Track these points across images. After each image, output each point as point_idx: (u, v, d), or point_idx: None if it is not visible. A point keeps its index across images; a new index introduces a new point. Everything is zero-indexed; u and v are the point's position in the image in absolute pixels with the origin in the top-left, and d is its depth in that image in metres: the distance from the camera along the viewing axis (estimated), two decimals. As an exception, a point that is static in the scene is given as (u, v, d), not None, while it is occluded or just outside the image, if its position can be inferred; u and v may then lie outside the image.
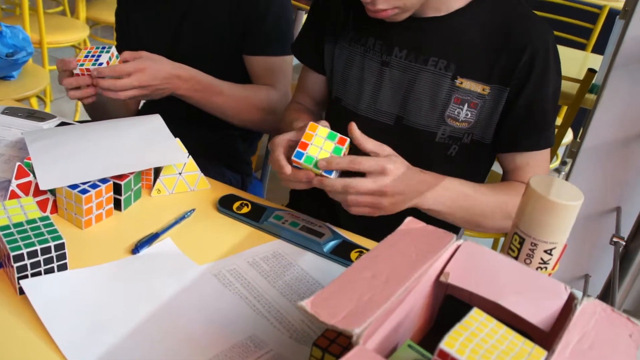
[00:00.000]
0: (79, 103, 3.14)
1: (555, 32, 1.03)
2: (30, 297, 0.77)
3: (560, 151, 2.69)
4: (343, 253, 0.95)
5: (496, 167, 1.19)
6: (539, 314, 0.60)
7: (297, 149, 0.87)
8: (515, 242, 0.74)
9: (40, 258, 0.80)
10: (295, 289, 0.87)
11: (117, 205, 1.00)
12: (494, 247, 2.12)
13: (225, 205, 1.04)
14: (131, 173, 1.00)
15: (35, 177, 0.94)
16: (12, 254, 0.77)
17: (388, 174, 0.86)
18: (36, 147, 1.01)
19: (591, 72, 1.84)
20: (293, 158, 0.87)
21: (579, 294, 0.63)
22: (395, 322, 0.59)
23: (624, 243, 1.38)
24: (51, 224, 0.83)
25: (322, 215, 1.05)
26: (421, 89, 1.03)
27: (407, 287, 0.60)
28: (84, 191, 0.93)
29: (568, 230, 0.72)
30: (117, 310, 0.79)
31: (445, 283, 0.64)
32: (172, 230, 0.97)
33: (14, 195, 0.94)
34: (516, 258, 0.74)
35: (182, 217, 1.00)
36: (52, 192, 0.97)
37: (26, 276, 0.80)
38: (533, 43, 0.97)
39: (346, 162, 0.86)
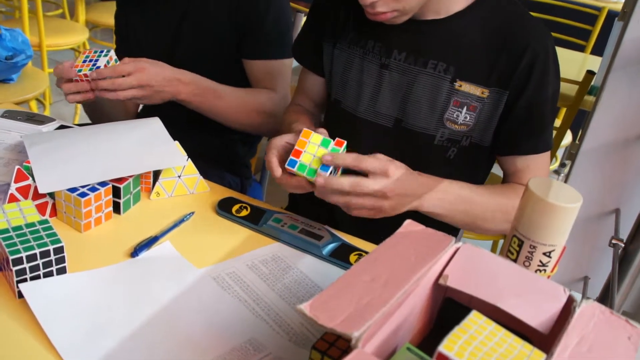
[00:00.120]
0: (79, 106, 3.14)
1: (554, 34, 1.03)
2: (29, 301, 0.77)
3: (560, 153, 2.69)
4: (342, 256, 0.95)
5: (496, 170, 1.19)
6: (538, 317, 0.60)
7: (290, 156, 0.88)
8: (514, 245, 0.74)
9: (39, 261, 0.80)
10: (294, 292, 0.87)
11: (116, 208, 1.00)
12: (493, 249, 2.12)
13: (224, 208, 1.04)
14: (130, 176, 1.00)
15: (34, 181, 0.94)
16: (11, 257, 0.77)
17: (390, 175, 0.86)
18: (35, 151, 1.02)
19: (590, 73, 1.84)
20: (286, 166, 0.87)
21: (578, 296, 0.63)
22: (394, 325, 0.59)
23: (623, 245, 1.38)
24: (50, 228, 0.83)
25: (321, 218, 1.05)
26: (420, 91, 1.03)
27: (406, 290, 0.60)
28: (83, 194, 0.93)
29: (567, 232, 0.72)
30: (116, 313, 0.79)
31: (444, 286, 0.64)
32: (171, 234, 0.97)
33: (13, 199, 0.94)
34: (515, 260, 0.74)
35: (181, 220, 1.00)
36: (51, 195, 0.97)
37: (25, 280, 0.80)
38: (532, 46, 0.97)
39: (351, 159, 0.86)
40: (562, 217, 0.70)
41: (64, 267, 0.83)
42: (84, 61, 1.13)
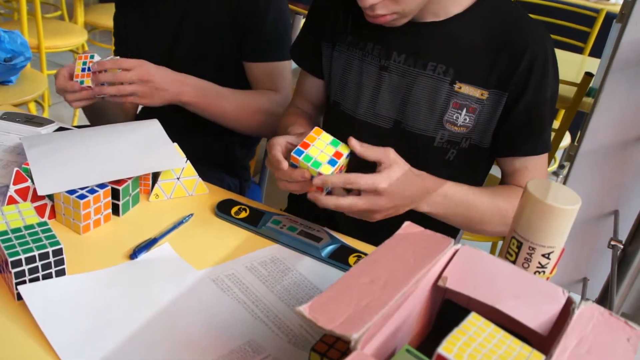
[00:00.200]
0: (78, 108, 3.14)
1: (553, 36, 1.03)
2: (28, 303, 0.77)
3: (558, 154, 2.69)
4: (341, 258, 0.95)
5: (494, 171, 1.19)
6: (537, 318, 0.60)
7: (298, 147, 0.88)
8: (513, 246, 0.74)
9: (38, 263, 0.80)
10: (293, 293, 0.87)
11: (115, 210, 1.00)
12: (492, 251, 2.12)
13: (223, 210, 1.04)
14: (129, 178, 1.00)
15: (33, 183, 0.94)
16: (10, 259, 0.77)
17: (381, 193, 0.87)
18: (34, 153, 1.01)
19: (588, 75, 1.84)
20: (292, 154, 0.87)
21: (577, 297, 0.63)
22: (393, 326, 0.59)
23: (621, 246, 1.38)
24: (49, 230, 0.83)
25: (320, 220, 1.05)
26: (420, 93, 1.03)
27: (405, 292, 0.60)
28: (82, 196, 0.93)
29: (566, 234, 0.72)
30: (116, 315, 0.79)
31: (443, 287, 0.64)
32: (171, 235, 0.97)
33: (12, 201, 0.94)
34: (514, 262, 0.74)
35: (180, 222, 1.00)
36: (50, 197, 0.97)
37: (24, 282, 0.80)
38: (532, 48, 0.98)
39: (341, 181, 0.87)
40: (561, 219, 0.70)
41: (63, 269, 0.83)
42: (83, 70, 1.13)
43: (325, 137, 0.90)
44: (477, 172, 1.13)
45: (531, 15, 1.03)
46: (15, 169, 0.94)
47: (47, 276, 0.82)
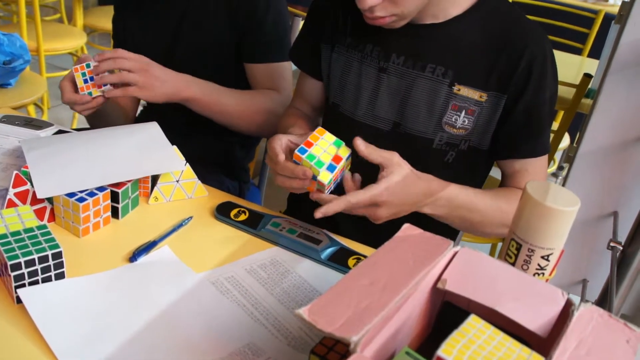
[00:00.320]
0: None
1: (551, 37, 1.03)
2: (27, 306, 0.77)
3: (557, 156, 2.70)
4: (341, 260, 0.95)
5: (494, 173, 1.19)
6: (537, 320, 0.60)
7: (302, 145, 0.88)
8: (512, 248, 0.74)
9: (38, 267, 0.80)
10: (293, 296, 0.87)
11: (115, 213, 1.00)
12: (492, 253, 2.12)
13: (222, 212, 1.04)
14: (128, 181, 1.00)
15: (32, 186, 0.94)
16: (9, 262, 0.77)
17: (381, 205, 0.88)
18: (33, 156, 1.01)
19: (587, 77, 1.84)
20: (296, 152, 0.88)
21: (576, 299, 0.63)
22: (393, 329, 0.59)
23: (621, 248, 1.38)
24: (48, 233, 0.83)
25: (319, 222, 1.05)
26: (418, 95, 1.03)
27: (404, 294, 0.60)
28: (81, 199, 0.93)
29: (565, 235, 0.72)
30: (115, 318, 0.79)
31: (443, 290, 0.64)
32: (170, 238, 0.97)
33: (11, 204, 0.94)
34: (513, 264, 0.74)
35: (180, 225, 1.00)
36: (50, 200, 0.97)
37: (23, 285, 0.80)
38: (530, 49, 0.98)
39: (341, 207, 0.88)
40: (560, 221, 0.70)
41: (63, 272, 0.83)
42: (85, 81, 1.13)
43: (329, 137, 0.91)
44: (476, 174, 1.13)
45: (530, 17, 1.03)
46: (15, 172, 0.94)
47: (47, 279, 0.82)
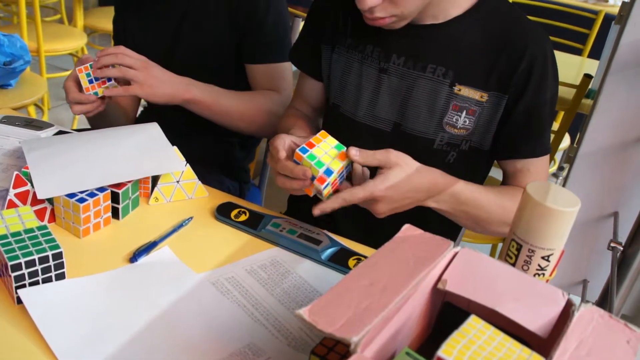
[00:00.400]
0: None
1: (552, 38, 1.03)
2: (27, 307, 0.77)
3: (558, 156, 2.70)
4: (341, 260, 0.95)
5: (493, 173, 1.19)
6: (537, 321, 0.60)
7: (303, 145, 0.88)
8: (512, 249, 0.74)
9: (38, 267, 0.80)
10: (293, 296, 0.87)
11: (115, 213, 1.00)
12: (492, 253, 2.12)
13: (223, 213, 1.04)
14: (129, 181, 1.00)
15: (32, 186, 0.94)
16: (9, 263, 0.77)
17: (379, 199, 0.88)
18: (34, 156, 1.02)
19: (587, 77, 1.84)
20: (297, 151, 0.88)
21: (577, 299, 0.63)
22: (393, 329, 0.59)
23: (621, 248, 1.38)
24: (49, 233, 0.83)
25: (320, 222, 1.05)
26: (419, 95, 1.03)
27: (405, 295, 0.60)
28: (81, 200, 0.93)
29: (565, 236, 0.72)
30: (115, 319, 0.79)
31: (443, 290, 0.64)
32: (170, 239, 0.97)
33: (11, 205, 0.94)
34: (514, 264, 0.74)
35: (180, 225, 1.00)
36: (50, 201, 0.97)
37: (24, 285, 0.80)
38: (531, 50, 0.98)
39: (338, 203, 0.88)
40: (561, 221, 0.70)
41: (63, 272, 0.83)
42: (90, 82, 1.13)
43: (331, 141, 0.91)
44: (477, 175, 1.13)
45: (530, 17, 1.03)
46: (15, 172, 0.94)
47: (47, 280, 0.82)
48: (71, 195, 0.94)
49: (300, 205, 1.27)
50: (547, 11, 3.17)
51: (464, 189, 0.97)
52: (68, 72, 1.17)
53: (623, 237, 1.43)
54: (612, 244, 1.38)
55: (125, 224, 1.01)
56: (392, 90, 1.05)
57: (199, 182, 1.10)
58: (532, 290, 0.64)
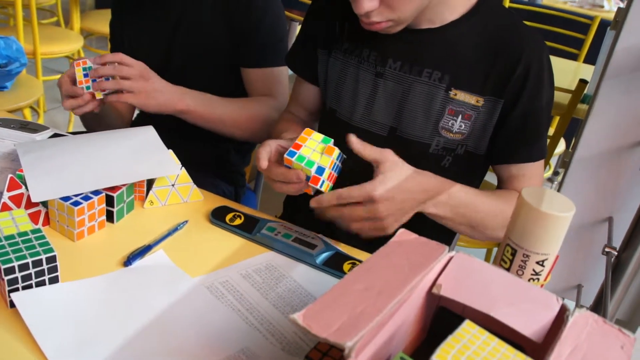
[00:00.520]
0: (73, 114, 3.13)
1: (548, 43, 1.04)
2: (21, 310, 0.77)
3: (553, 161, 2.70)
4: (336, 265, 0.95)
5: (489, 177, 1.20)
6: (531, 326, 0.60)
7: (290, 148, 0.88)
8: (507, 254, 0.74)
9: (32, 271, 0.80)
10: (287, 301, 0.87)
11: (110, 217, 1.00)
12: (487, 258, 2.12)
13: (218, 216, 1.04)
14: (124, 185, 1.00)
15: (27, 189, 0.94)
16: (3, 266, 0.77)
17: (377, 200, 0.87)
18: (28, 159, 1.01)
19: (583, 82, 1.85)
20: (285, 156, 0.88)
21: (571, 304, 0.63)
22: (387, 334, 0.59)
23: (615, 253, 1.38)
24: (43, 237, 0.83)
25: (315, 227, 1.05)
26: (415, 100, 1.03)
27: (399, 299, 0.60)
28: (76, 203, 0.93)
29: (560, 241, 0.72)
30: (109, 323, 0.78)
31: (438, 295, 0.64)
32: (165, 242, 0.97)
33: (5, 207, 0.93)
34: (508, 269, 0.74)
35: (175, 229, 1.00)
36: (44, 204, 0.97)
37: (17, 289, 0.79)
38: (527, 55, 0.98)
39: (334, 197, 0.87)
40: (555, 226, 0.70)
41: (57, 276, 0.83)
42: (85, 75, 1.13)
43: (317, 137, 0.90)
44: (472, 179, 1.13)
45: (526, 23, 1.03)
46: (10, 175, 0.94)
47: (41, 283, 0.81)
48: (66, 199, 0.93)
49: (296, 209, 1.27)
50: (543, 16, 3.18)
51: (460, 191, 0.97)
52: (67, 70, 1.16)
53: (617, 242, 1.43)
54: (607, 249, 1.38)
55: (119, 228, 1.00)
56: (388, 95, 1.05)
57: (194, 185, 1.09)
58: (527, 295, 0.64)
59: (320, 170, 0.87)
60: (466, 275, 0.66)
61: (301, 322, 0.55)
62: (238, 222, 1.03)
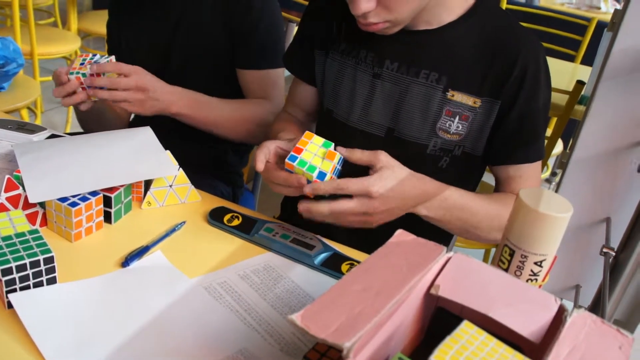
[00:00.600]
0: (70, 114, 3.13)
1: (545, 44, 1.04)
2: (18, 311, 0.77)
3: (551, 162, 2.70)
4: (334, 265, 0.95)
5: (486, 178, 1.20)
6: (530, 326, 0.60)
7: (291, 152, 0.88)
8: (505, 254, 0.74)
9: (29, 271, 0.79)
10: (286, 301, 0.87)
11: (107, 218, 1.00)
12: (485, 259, 2.12)
13: (215, 217, 1.04)
14: (121, 186, 1.00)
15: (24, 190, 0.94)
16: (0, 267, 0.77)
17: (374, 195, 0.86)
18: (26, 160, 1.01)
19: (580, 83, 1.85)
20: (287, 161, 0.87)
21: (569, 304, 0.63)
22: (385, 335, 0.59)
23: (613, 253, 1.38)
24: (40, 237, 0.83)
25: (313, 227, 1.05)
26: (412, 101, 1.03)
27: (397, 300, 0.60)
28: (73, 204, 0.92)
29: (558, 241, 0.72)
30: (107, 324, 0.78)
31: (436, 295, 0.64)
32: (163, 243, 0.97)
33: (3, 208, 0.93)
34: (506, 270, 0.74)
35: (173, 230, 1.00)
36: (42, 205, 0.96)
37: (15, 290, 0.79)
38: (524, 56, 0.98)
39: (332, 187, 0.87)
40: (553, 227, 0.70)
41: (54, 277, 0.83)
42: (82, 64, 1.14)
43: (317, 140, 0.90)
44: (469, 180, 1.14)
45: (523, 24, 1.03)
46: (7, 176, 0.93)
47: (38, 284, 0.81)
48: (63, 199, 0.93)
49: (294, 210, 1.27)
50: (541, 18, 3.19)
51: (453, 194, 0.97)
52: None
53: (615, 243, 1.44)
54: (605, 250, 1.38)
55: (117, 228, 1.00)
56: (385, 96, 1.05)
57: (192, 186, 1.09)
58: (525, 296, 0.64)
59: (322, 176, 0.87)
60: (464, 276, 0.66)
61: (299, 323, 0.55)
62: (236, 222, 1.03)
